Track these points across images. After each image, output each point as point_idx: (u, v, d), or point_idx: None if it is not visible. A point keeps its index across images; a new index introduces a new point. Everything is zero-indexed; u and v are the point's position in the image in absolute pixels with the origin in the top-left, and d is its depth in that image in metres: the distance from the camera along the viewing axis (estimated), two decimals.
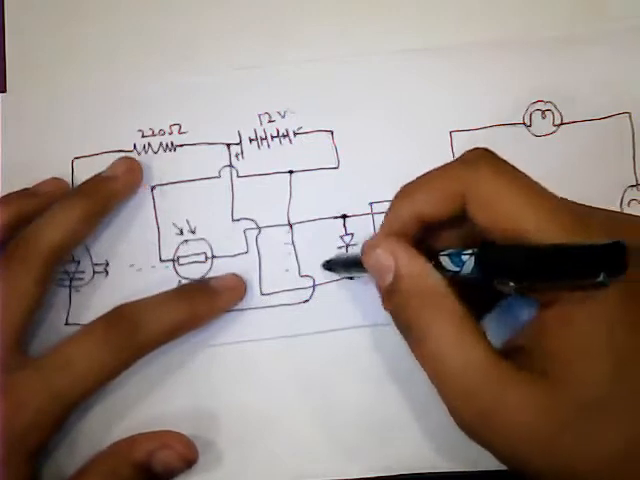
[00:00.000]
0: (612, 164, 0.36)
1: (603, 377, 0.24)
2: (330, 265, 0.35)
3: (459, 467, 0.33)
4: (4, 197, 0.34)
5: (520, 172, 0.27)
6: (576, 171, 0.36)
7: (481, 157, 0.28)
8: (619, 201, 0.36)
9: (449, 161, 0.29)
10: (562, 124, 0.37)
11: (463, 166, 0.28)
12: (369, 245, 0.29)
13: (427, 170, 0.29)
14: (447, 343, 0.26)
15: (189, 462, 0.32)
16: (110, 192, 0.35)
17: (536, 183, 0.27)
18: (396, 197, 0.29)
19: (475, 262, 0.26)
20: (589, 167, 0.36)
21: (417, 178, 0.29)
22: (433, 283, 0.27)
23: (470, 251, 0.27)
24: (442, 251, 0.28)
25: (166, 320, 0.32)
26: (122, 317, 0.32)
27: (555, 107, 0.37)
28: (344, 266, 0.34)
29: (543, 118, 0.37)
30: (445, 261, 0.27)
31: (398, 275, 0.27)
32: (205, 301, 0.33)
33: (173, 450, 0.31)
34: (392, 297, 0.28)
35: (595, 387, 0.24)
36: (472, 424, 0.26)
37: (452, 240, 0.30)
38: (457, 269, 0.27)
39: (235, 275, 0.35)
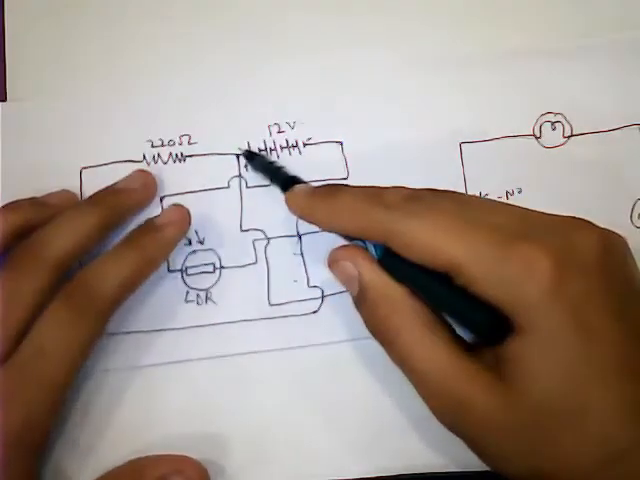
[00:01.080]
0: (622, 176, 0.36)
1: (555, 387, 0.25)
2: (252, 159, 0.36)
3: (459, 467, 0.34)
4: (13, 203, 0.34)
5: (443, 201, 0.29)
6: (586, 183, 0.36)
7: (403, 198, 0.29)
8: (629, 214, 0.36)
9: (376, 190, 0.30)
10: (572, 136, 0.37)
11: (386, 207, 0.29)
12: (333, 257, 0.31)
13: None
14: (415, 346, 0.28)
15: None
16: (122, 205, 0.35)
17: (449, 204, 0.28)
18: (323, 197, 0.31)
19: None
20: (599, 179, 0.36)
21: (346, 194, 0.30)
22: (395, 291, 0.29)
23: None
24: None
25: (120, 274, 0.32)
26: (78, 285, 0.31)
27: (565, 119, 0.37)
28: (262, 169, 0.35)
29: (553, 130, 0.37)
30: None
31: (363, 287, 0.30)
32: (153, 243, 0.33)
33: (185, 476, 0.31)
34: (362, 305, 0.30)
35: (547, 396, 0.25)
36: (447, 421, 0.28)
37: None
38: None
39: (178, 206, 0.35)
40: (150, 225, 0.34)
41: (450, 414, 0.28)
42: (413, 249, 0.28)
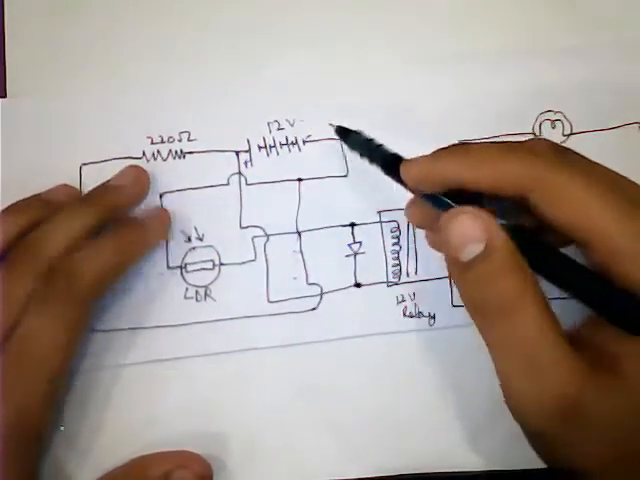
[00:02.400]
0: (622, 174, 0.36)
1: None
2: (346, 136, 0.34)
3: (459, 467, 0.34)
4: (15, 205, 0.34)
5: (596, 164, 0.26)
6: None
7: (551, 149, 0.27)
8: None
9: (511, 145, 0.27)
10: (572, 134, 0.37)
11: (532, 153, 0.26)
12: (453, 212, 0.26)
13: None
14: (534, 331, 0.24)
15: None
16: (116, 202, 0.35)
17: (603, 169, 0.26)
18: (451, 152, 0.28)
19: None
20: None
21: (479, 145, 0.27)
22: (524, 264, 0.25)
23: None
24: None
25: (99, 263, 0.32)
26: (56, 272, 0.31)
27: (565, 117, 0.37)
28: (360, 147, 0.33)
29: (553, 128, 0.37)
30: None
31: (492, 247, 0.25)
32: (133, 238, 0.34)
33: (190, 470, 0.31)
34: (471, 270, 0.26)
35: None
36: (548, 420, 0.25)
37: None
38: None
39: (161, 209, 0.36)
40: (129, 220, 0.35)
41: (559, 414, 0.24)
42: (561, 206, 0.25)
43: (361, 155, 0.33)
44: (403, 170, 0.29)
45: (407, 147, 0.36)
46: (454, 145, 0.29)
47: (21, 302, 0.31)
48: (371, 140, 0.32)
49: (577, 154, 0.27)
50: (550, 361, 0.24)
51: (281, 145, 0.37)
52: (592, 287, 0.26)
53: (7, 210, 0.34)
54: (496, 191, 0.27)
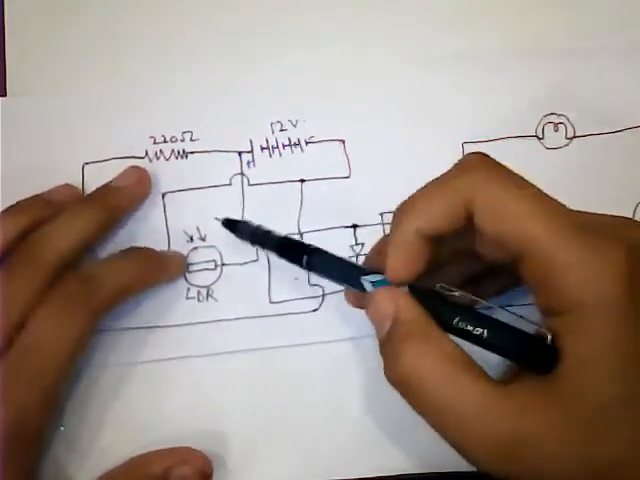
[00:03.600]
0: (624, 178, 0.36)
1: (613, 386, 0.24)
2: (234, 227, 0.33)
3: (459, 467, 0.33)
4: (17, 205, 0.34)
5: (520, 176, 0.27)
6: (587, 185, 0.36)
7: (480, 162, 0.27)
8: (631, 216, 0.35)
9: (447, 171, 0.28)
10: (574, 137, 0.37)
11: (464, 174, 0.27)
12: (370, 296, 0.28)
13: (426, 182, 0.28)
14: (446, 387, 0.25)
15: (206, 476, 0.32)
16: (118, 203, 0.35)
17: (537, 187, 0.27)
18: (398, 213, 0.28)
19: None
20: (601, 181, 0.36)
21: (417, 192, 0.28)
22: (430, 328, 0.27)
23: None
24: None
25: (119, 281, 0.32)
26: (70, 284, 0.31)
27: (568, 120, 0.37)
28: (252, 236, 0.33)
29: (555, 131, 0.37)
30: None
31: (398, 321, 0.27)
32: (156, 264, 0.34)
33: (191, 465, 0.32)
34: (386, 345, 0.27)
35: (605, 395, 0.24)
36: (499, 466, 0.25)
37: (459, 254, 0.30)
38: None
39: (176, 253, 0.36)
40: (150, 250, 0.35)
41: (499, 456, 0.25)
42: (495, 217, 0.26)
43: (252, 243, 0.33)
44: (391, 276, 0.28)
45: (408, 148, 0.37)
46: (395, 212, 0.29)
47: (23, 305, 0.30)
48: (258, 227, 0.33)
49: (509, 169, 0.27)
50: (476, 412, 0.25)
51: (284, 146, 0.37)
52: (497, 338, 0.26)
53: (8, 210, 0.34)
54: (454, 223, 0.27)
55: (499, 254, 0.27)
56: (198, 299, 0.35)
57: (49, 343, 0.30)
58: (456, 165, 0.28)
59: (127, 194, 0.35)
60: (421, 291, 0.28)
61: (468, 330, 0.27)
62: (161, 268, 0.35)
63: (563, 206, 0.26)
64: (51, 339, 0.30)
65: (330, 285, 0.35)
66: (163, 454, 0.32)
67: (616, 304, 0.24)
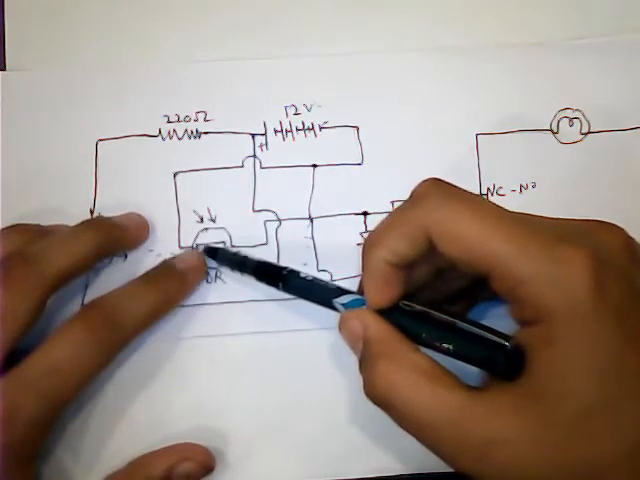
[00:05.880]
0: (637, 176, 0.36)
1: (590, 390, 0.24)
2: (214, 254, 0.35)
3: None
4: (18, 225, 0.34)
5: (475, 195, 0.27)
6: (600, 181, 0.36)
7: (431, 189, 0.28)
8: None
9: (404, 201, 0.28)
10: (589, 133, 0.37)
11: (418, 203, 0.28)
12: (340, 319, 0.30)
13: (386, 216, 0.29)
14: (417, 397, 0.26)
15: (209, 470, 0.32)
16: (117, 239, 0.34)
17: (490, 202, 0.27)
18: (366, 247, 0.29)
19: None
20: (614, 177, 0.36)
21: (379, 225, 0.29)
22: (400, 344, 0.28)
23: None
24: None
25: (141, 311, 0.32)
26: (99, 312, 0.31)
27: (583, 115, 0.36)
28: (230, 263, 0.34)
29: (570, 126, 0.36)
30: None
31: (366, 339, 0.28)
32: (175, 287, 0.34)
33: (193, 461, 0.32)
34: (362, 364, 0.28)
35: (583, 399, 0.24)
36: (469, 467, 0.26)
37: (442, 270, 0.30)
38: None
39: (194, 252, 0.35)
40: (172, 269, 0.34)
41: (472, 458, 0.26)
42: (454, 241, 0.26)
43: (232, 269, 0.34)
44: (373, 305, 0.29)
45: (422, 136, 0.36)
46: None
47: (21, 320, 0.30)
48: (236, 253, 0.34)
49: (463, 190, 0.28)
50: (448, 418, 0.26)
51: (297, 130, 0.37)
52: (461, 348, 0.27)
53: (8, 229, 0.33)
54: (419, 250, 0.27)
55: (470, 271, 0.27)
56: (207, 280, 0.35)
57: (70, 369, 0.30)
58: (411, 195, 0.28)
59: (125, 235, 0.35)
60: (389, 309, 0.29)
61: (434, 344, 0.27)
62: (181, 290, 0.34)
63: (524, 217, 0.27)
64: (72, 366, 0.30)
65: (339, 271, 0.35)
66: (164, 453, 0.32)
67: (584, 310, 0.24)
